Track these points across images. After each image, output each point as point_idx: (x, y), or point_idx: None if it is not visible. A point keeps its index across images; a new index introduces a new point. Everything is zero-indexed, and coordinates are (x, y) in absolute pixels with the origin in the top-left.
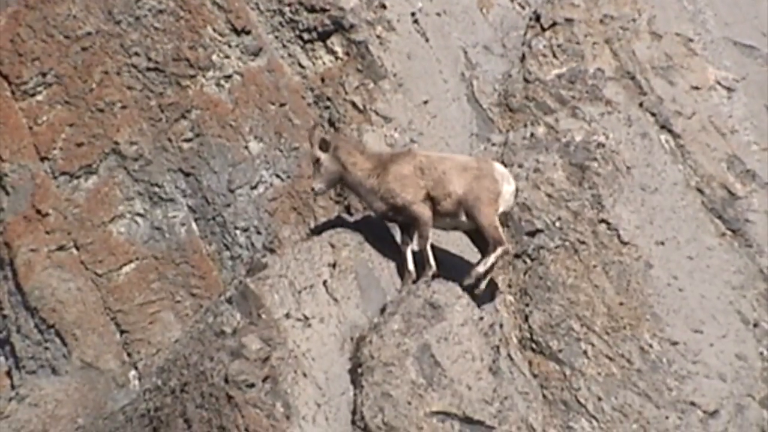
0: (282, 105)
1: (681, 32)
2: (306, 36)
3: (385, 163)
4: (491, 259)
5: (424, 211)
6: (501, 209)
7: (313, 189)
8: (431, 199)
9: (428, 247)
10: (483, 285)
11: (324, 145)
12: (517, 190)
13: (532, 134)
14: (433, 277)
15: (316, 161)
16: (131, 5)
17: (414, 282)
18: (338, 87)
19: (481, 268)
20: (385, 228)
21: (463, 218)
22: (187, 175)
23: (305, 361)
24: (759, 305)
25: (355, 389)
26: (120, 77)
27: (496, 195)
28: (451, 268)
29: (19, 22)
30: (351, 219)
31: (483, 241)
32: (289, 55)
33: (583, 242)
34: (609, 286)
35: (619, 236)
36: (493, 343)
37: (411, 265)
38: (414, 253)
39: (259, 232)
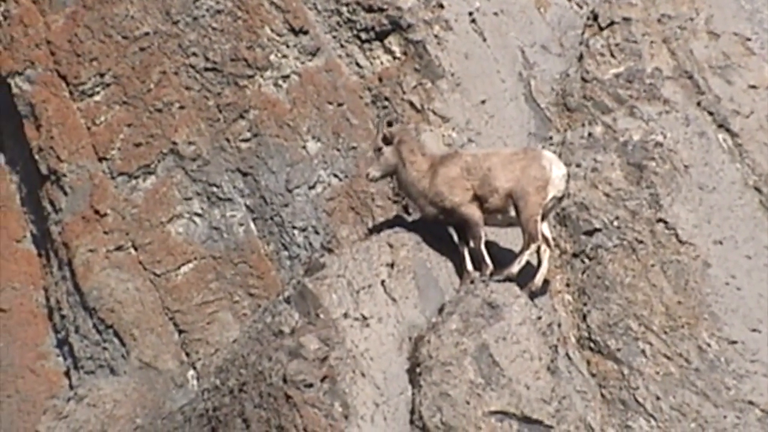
0: (340, 105)
1: (738, 31)
2: (363, 36)
3: (435, 166)
4: (525, 256)
5: (474, 212)
6: (551, 195)
7: (367, 174)
8: (479, 198)
9: (482, 247)
10: (539, 283)
11: (389, 137)
12: (568, 174)
13: (589, 134)
14: (491, 275)
15: (378, 149)
16: (189, 5)
17: (473, 282)
18: (396, 87)
19: (515, 268)
20: (442, 228)
21: (512, 213)
22: (245, 174)
23: (363, 361)
24: None
25: (413, 389)
26: (178, 77)
27: (545, 182)
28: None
29: (77, 22)
30: (409, 219)
31: (522, 232)
32: (347, 54)
33: (641, 241)
34: (667, 285)
35: (677, 235)
36: (551, 342)
37: (470, 265)
38: (471, 253)
39: (317, 232)
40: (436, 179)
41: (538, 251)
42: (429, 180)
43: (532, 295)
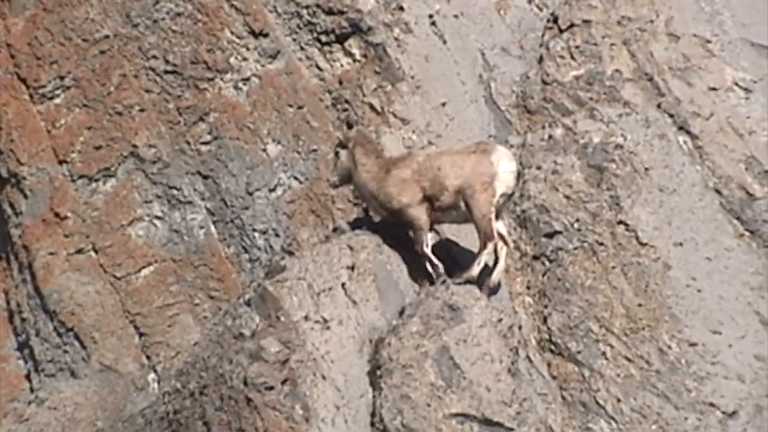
0: (300, 108)
1: (698, 33)
2: (324, 38)
3: (388, 168)
4: (483, 257)
5: (420, 216)
6: (499, 192)
7: (328, 180)
8: (430, 198)
9: (426, 251)
10: (496, 280)
11: (345, 143)
12: (519, 172)
13: (550, 136)
14: (442, 280)
15: (336, 154)
16: (149, 8)
17: (439, 276)
18: (356, 89)
19: (474, 270)
20: (403, 230)
21: (463, 208)
22: (206, 177)
23: (324, 364)
24: None
25: (374, 391)
26: (138, 80)
27: (491, 177)
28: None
29: (36, 25)
30: (370, 221)
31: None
32: (307, 57)
33: (601, 244)
34: (627, 287)
35: (637, 237)
36: (512, 344)
37: (435, 259)
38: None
39: (277, 235)
40: (387, 181)
41: (495, 249)
42: (379, 182)
43: (490, 293)
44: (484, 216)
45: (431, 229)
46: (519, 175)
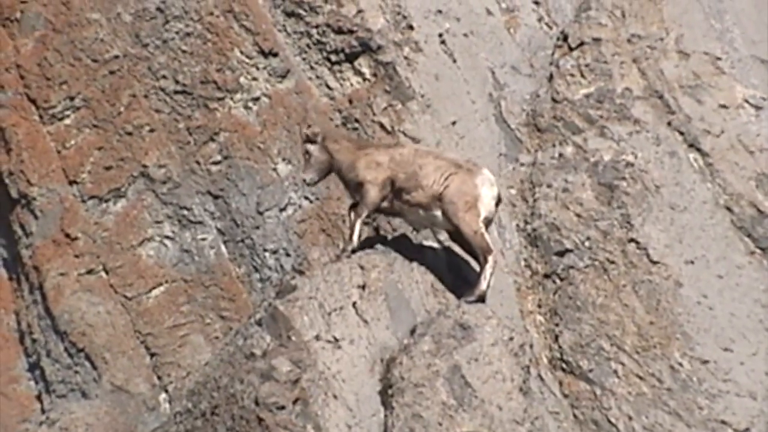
0: (309, 127)
1: (709, 51)
2: (333, 57)
3: (366, 148)
4: (488, 271)
5: (375, 196)
6: (483, 215)
7: (304, 180)
8: (399, 190)
9: (357, 225)
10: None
11: (313, 137)
12: (499, 197)
13: (560, 154)
14: (352, 251)
15: (306, 153)
16: (159, 28)
17: (350, 253)
18: (366, 108)
19: (483, 285)
20: (415, 249)
21: (437, 213)
22: (216, 197)
23: (335, 383)
24: None
25: (385, 411)
26: (148, 100)
27: (475, 198)
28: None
29: (46, 46)
30: (381, 240)
31: (469, 248)
32: (317, 76)
33: (612, 262)
34: (639, 305)
35: (648, 255)
36: (524, 363)
37: (357, 237)
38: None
39: (288, 254)
40: (361, 159)
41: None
42: (353, 158)
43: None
44: (476, 232)
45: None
46: (499, 201)
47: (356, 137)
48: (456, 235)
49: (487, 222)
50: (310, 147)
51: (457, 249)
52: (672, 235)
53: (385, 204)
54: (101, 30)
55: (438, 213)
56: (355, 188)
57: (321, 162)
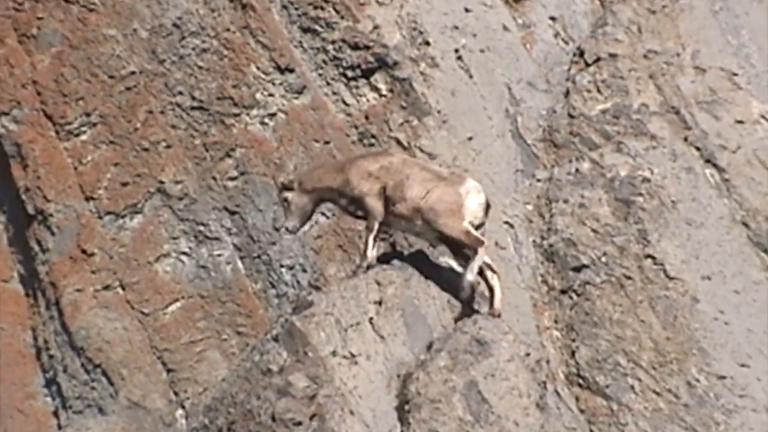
0: (326, 143)
1: (725, 66)
2: (350, 73)
3: (353, 159)
4: (476, 263)
5: (376, 205)
6: (467, 220)
7: (286, 228)
8: (387, 199)
9: (371, 238)
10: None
11: (289, 184)
12: (488, 204)
13: (577, 170)
14: (368, 267)
15: (284, 200)
16: (175, 44)
17: (366, 269)
18: (382, 124)
19: (470, 276)
20: (431, 265)
21: (419, 222)
22: (233, 213)
23: (352, 399)
24: None
25: (402, 426)
26: (164, 116)
27: (458, 206)
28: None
29: (63, 62)
30: (397, 256)
31: (458, 250)
32: (333, 92)
33: (629, 277)
34: (655, 321)
35: (665, 271)
36: (540, 379)
37: (372, 250)
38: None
39: (304, 270)
40: (351, 171)
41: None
42: (343, 173)
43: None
44: (462, 231)
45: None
46: (488, 207)
47: (333, 159)
48: (444, 240)
49: (476, 228)
50: (289, 194)
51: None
52: (688, 251)
53: None
54: (118, 46)
55: (419, 223)
56: (357, 204)
57: (301, 207)
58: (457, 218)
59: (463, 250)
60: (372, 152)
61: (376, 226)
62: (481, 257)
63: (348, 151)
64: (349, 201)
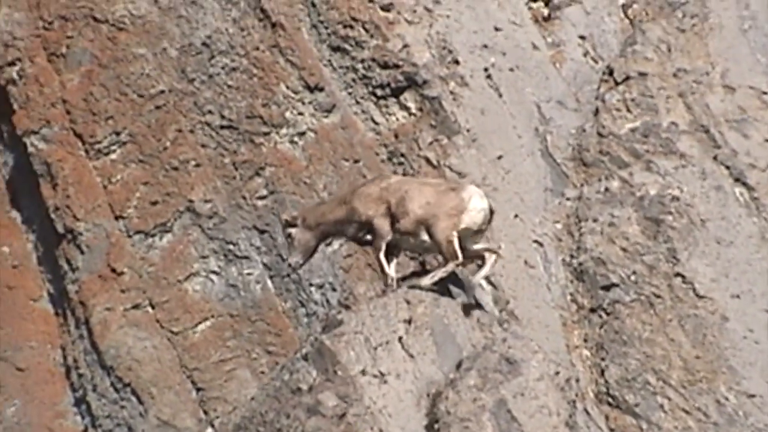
0: (356, 161)
1: (754, 85)
2: (379, 92)
3: (354, 189)
4: (439, 273)
5: (383, 226)
6: (463, 225)
7: (289, 265)
8: (392, 216)
9: (381, 257)
10: (478, 280)
11: (293, 221)
12: (491, 210)
13: (606, 188)
14: (393, 284)
15: (288, 237)
16: (204, 63)
17: (394, 287)
18: (412, 143)
19: (427, 281)
20: (460, 283)
21: (425, 238)
22: (262, 232)
23: (381, 418)
24: None
25: None
26: (194, 135)
27: (459, 211)
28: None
29: (92, 81)
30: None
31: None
32: (363, 111)
33: (658, 296)
34: (685, 339)
35: (694, 290)
36: (570, 397)
37: (387, 267)
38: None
39: (334, 289)
40: (354, 199)
41: (483, 257)
42: (346, 204)
43: (472, 297)
44: (445, 238)
45: (396, 254)
46: (491, 213)
47: (332, 196)
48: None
49: (474, 233)
50: (292, 231)
51: (503, 282)
52: (718, 270)
53: None
54: (147, 65)
55: (426, 237)
56: (364, 229)
57: (304, 243)
58: (451, 224)
59: (441, 255)
60: (369, 179)
61: (383, 246)
62: (447, 271)
63: (378, 170)
64: (357, 228)
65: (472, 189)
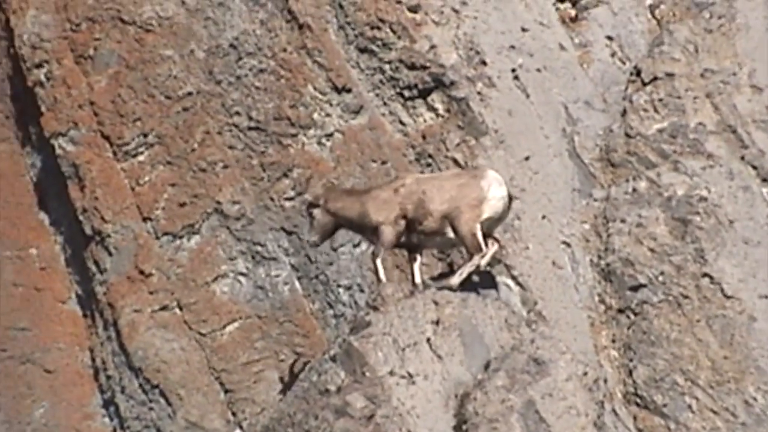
0: (383, 162)
1: None
2: (407, 93)
3: (369, 189)
4: (466, 269)
5: (390, 234)
6: (486, 215)
7: (308, 242)
8: (411, 221)
9: (378, 262)
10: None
11: (315, 201)
12: (510, 197)
13: (634, 189)
14: (425, 286)
15: (310, 215)
16: (232, 65)
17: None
18: (439, 144)
19: (455, 280)
20: (488, 284)
21: (451, 235)
22: (290, 233)
23: (410, 419)
24: None
25: None
26: (221, 137)
27: (480, 201)
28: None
29: (119, 83)
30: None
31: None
32: (390, 112)
33: (686, 296)
34: (713, 339)
35: (722, 290)
36: (598, 398)
37: (382, 272)
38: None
39: (362, 290)
40: (367, 202)
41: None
42: (360, 206)
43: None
44: (469, 231)
45: (420, 253)
46: (510, 200)
47: (356, 187)
48: (455, 234)
49: (495, 221)
50: (314, 211)
51: (531, 283)
52: (746, 270)
53: (402, 239)
54: (175, 67)
55: (451, 234)
56: (372, 232)
57: (324, 224)
58: (474, 215)
59: (466, 251)
60: (385, 181)
61: (382, 253)
62: (474, 264)
63: (405, 171)
64: (368, 231)
65: (491, 176)
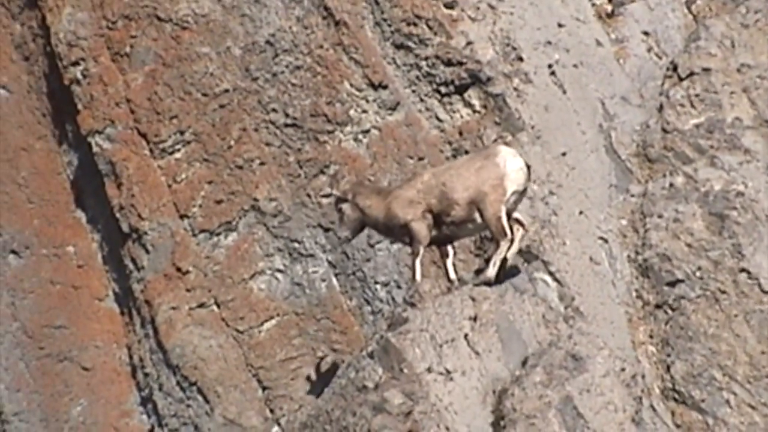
0: (420, 159)
1: None
2: (443, 89)
3: (392, 192)
4: (496, 258)
5: (421, 229)
6: (510, 190)
7: (338, 238)
8: (438, 215)
9: (417, 262)
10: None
11: (344, 196)
12: (528, 167)
13: (671, 184)
14: (462, 283)
15: (339, 210)
16: (268, 62)
17: (418, 295)
18: (476, 140)
19: (490, 272)
20: (525, 279)
21: (479, 220)
22: (327, 230)
23: (447, 415)
24: None
25: None
26: (258, 134)
27: (501, 179)
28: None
29: (156, 80)
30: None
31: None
32: (427, 108)
33: (723, 291)
34: (750, 335)
35: (759, 285)
36: (636, 393)
37: (419, 273)
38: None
39: (399, 287)
40: (392, 203)
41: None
42: (386, 208)
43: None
44: (494, 215)
45: (452, 248)
46: (529, 170)
47: (382, 186)
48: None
49: (519, 194)
50: (344, 206)
51: (568, 279)
52: None
53: (433, 233)
54: (211, 64)
55: (479, 219)
56: (402, 232)
57: (354, 220)
58: (499, 194)
59: (492, 236)
60: (404, 180)
61: (421, 251)
62: (503, 251)
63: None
64: (397, 230)
65: (504, 151)
